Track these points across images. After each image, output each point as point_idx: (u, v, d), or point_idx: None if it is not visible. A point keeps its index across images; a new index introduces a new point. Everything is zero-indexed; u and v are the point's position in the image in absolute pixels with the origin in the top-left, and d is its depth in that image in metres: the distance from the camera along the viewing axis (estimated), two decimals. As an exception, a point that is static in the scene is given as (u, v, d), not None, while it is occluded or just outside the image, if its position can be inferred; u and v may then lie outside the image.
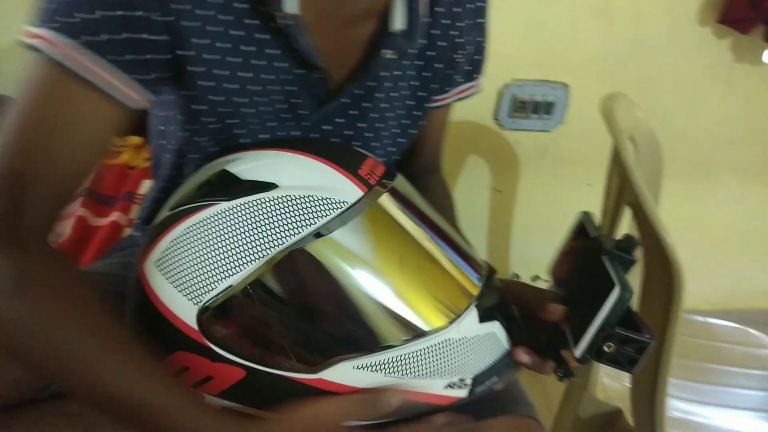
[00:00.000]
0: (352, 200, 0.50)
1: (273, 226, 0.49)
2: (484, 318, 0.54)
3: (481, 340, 0.54)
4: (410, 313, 0.51)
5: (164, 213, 0.55)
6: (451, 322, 0.52)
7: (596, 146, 1.21)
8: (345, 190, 0.51)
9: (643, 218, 0.77)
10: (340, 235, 0.49)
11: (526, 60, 1.35)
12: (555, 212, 1.55)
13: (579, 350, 0.51)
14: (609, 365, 0.51)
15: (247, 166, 0.53)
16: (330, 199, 0.50)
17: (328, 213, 0.49)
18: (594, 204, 1.03)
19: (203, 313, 0.49)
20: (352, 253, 0.49)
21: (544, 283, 1.76)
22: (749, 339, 1.19)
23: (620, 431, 0.98)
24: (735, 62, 1.43)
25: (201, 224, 0.50)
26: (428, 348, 0.51)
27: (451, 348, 0.52)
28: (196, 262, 0.49)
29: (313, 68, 0.58)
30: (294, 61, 0.58)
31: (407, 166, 0.77)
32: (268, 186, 0.50)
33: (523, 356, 0.57)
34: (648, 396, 0.86)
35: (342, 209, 0.50)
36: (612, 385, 1.05)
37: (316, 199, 0.50)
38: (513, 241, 1.59)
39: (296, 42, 0.55)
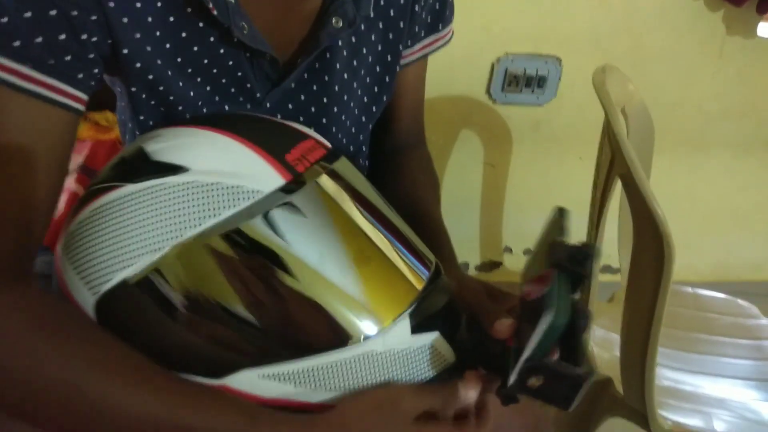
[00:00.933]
0: (267, 189, 0.46)
1: (174, 216, 0.45)
2: (419, 328, 0.48)
3: (413, 353, 0.48)
4: (326, 321, 0.46)
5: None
6: (377, 333, 0.47)
7: (588, 121, 1.21)
8: (262, 177, 0.46)
9: (633, 190, 0.77)
10: (248, 227, 0.44)
11: (519, 34, 1.35)
12: (547, 186, 1.57)
13: (510, 380, 0.44)
14: (540, 401, 0.44)
15: (163, 145, 0.49)
16: (241, 187, 0.45)
17: (236, 203, 0.45)
18: (586, 178, 1.04)
19: (100, 304, 0.47)
20: (261, 247, 0.45)
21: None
22: (738, 309, 1.20)
23: (610, 400, 1.00)
24: (728, 35, 1.43)
25: (103, 208, 0.47)
26: (346, 360, 0.46)
27: (374, 361, 0.47)
28: (94, 250, 0.46)
29: (260, 51, 0.56)
30: (238, 46, 0.55)
31: (387, 139, 0.75)
32: (176, 169, 0.46)
33: (469, 379, 0.49)
34: (637, 365, 0.87)
35: (252, 200, 0.45)
36: (602, 354, 1.07)
37: (225, 187, 0.45)
38: (505, 214, 1.60)
39: (237, 29, 0.52)
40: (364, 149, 0.72)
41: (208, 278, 0.45)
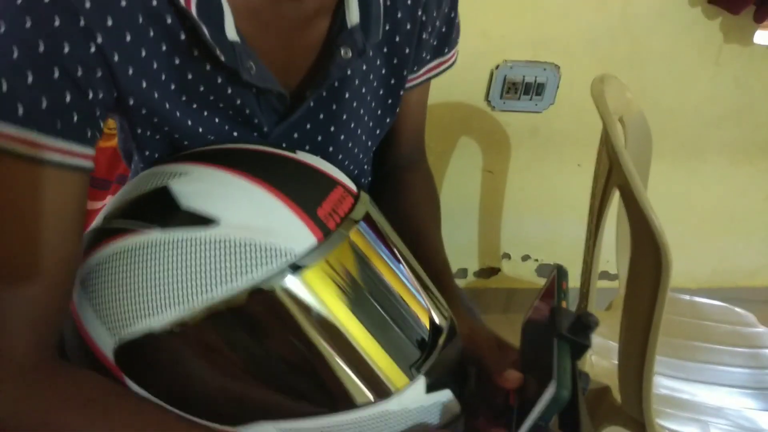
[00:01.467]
0: (299, 249, 0.45)
1: (205, 272, 0.44)
2: (432, 388, 0.49)
3: (425, 410, 0.49)
4: (347, 383, 0.46)
5: (99, 220, 0.51)
6: (393, 394, 0.47)
7: (587, 127, 1.22)
8: (294, 234, 0.45)
9: (631, 200, 0.77)
10: (278, 287, 0.44)
11: (518, 41, 1.35)
12: (546, 192, 1.57)
13: None
14: None
15: (191, 188, 0.48)
16: (274, 247, 0.44)
17: (268, 262, 0.44)
18: (584, 184, 1.04)
19: (121, 348, 0.46)
20: (288, 311, 0.44)
21: (535, 263, 1.78)
22: (735, 317, 1.21)
23: (608, 408, 1.00)
24: (725, 42, 1.44)
25: (128, 252, 0.46)
26: (362, 419, 0.47)
27: (388, 419, 0.48)
28: (118, 293, 0.45)
29: (268, 89, 0.55)
30: (245, 86, 0.54)
31: (388, 157, 0.75)
32: (207, 221, 0.45)
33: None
34: (635, 374, 0.87)
35: (284, 258, 0.44)
36: (600, 362, 1.07)
37: (258, 245, 0.44)
38: (504, 221, 1.60)
39: (245, 71, 0.51)
40: (366, 168, 0.71)
41: (233, 337, 0.45)
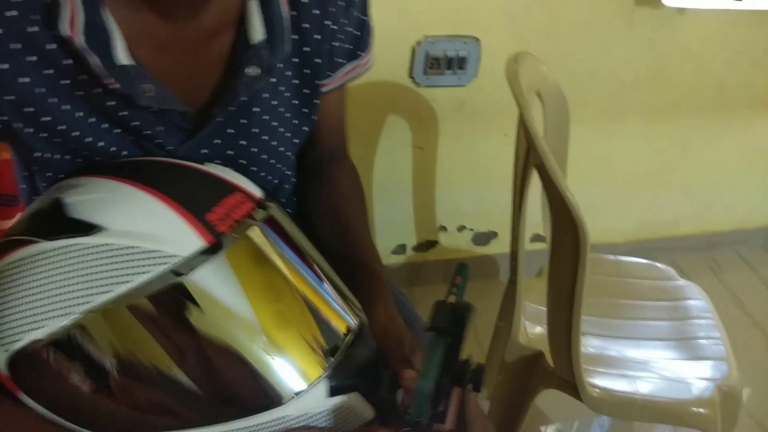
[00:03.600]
0: (185, 253, 0.45)
1: (86, 280, 0.44)
2: (337, 391, 0.49)
3: (328, 414, 0.49)
4: (235, 387, 0.46)
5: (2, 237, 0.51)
6: (290, 399, 0.47)
7: (510, 98, 1.24)
8: (181, 239, 0.45)
9: (548, 180, 0.80)
10: (159, 294, 0.44)
11: (436, 16, 1.35)
12: (475, 164, 1.60)
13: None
14: None
15: (80, 198, 0.48)
16: (158, 252, 0.44)
17: (151, 269, 0.44)
18: (511, 153, 1.07)
19: (12, 361, 0.46)
20: (170, 317, 0.45)
21: (470, 232, 1.82)
22: (657, 272, 1.28)
23: (542, 372, 1.05)
24: (636, 6, 1.48)
25: (16, 264, 0.46)
26: (258, 426, 0.47)
27: (287, 424, 0.48)
28: (6, 307, 0.45)
29: (168, 109, 0.54)
30: (142, 108, 0.53)
31: (309, 155, 0.74)
32: (91, 228, 0.45)
33: None
34: (564, 337, 0.92)
35: (169, 264, 0.44)
36: (532, 328, 1.12)
37: (141, 251, 0.44)
38: (437, 194, 1.63)
39: (141, 96, 0.50)
40: (289, 173, 0.71)
41: (115, 345, 0.44)
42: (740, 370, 1.08)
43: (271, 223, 0.51)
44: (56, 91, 0.50)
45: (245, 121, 0.60)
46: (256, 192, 0.53)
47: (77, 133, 0.53)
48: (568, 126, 1.18)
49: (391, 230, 1.64)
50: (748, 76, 1.66)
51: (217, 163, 0.59)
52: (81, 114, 0.52)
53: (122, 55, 0.49)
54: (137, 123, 0.54)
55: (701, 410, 0.98)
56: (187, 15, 0.53)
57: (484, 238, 1.74)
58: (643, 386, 1.03)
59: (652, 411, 1.00)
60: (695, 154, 1.78)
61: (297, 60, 0.61)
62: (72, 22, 0.47)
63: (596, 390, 0.99)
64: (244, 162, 0.62)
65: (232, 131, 0.60)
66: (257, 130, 0.61)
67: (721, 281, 1.97)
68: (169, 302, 0.44)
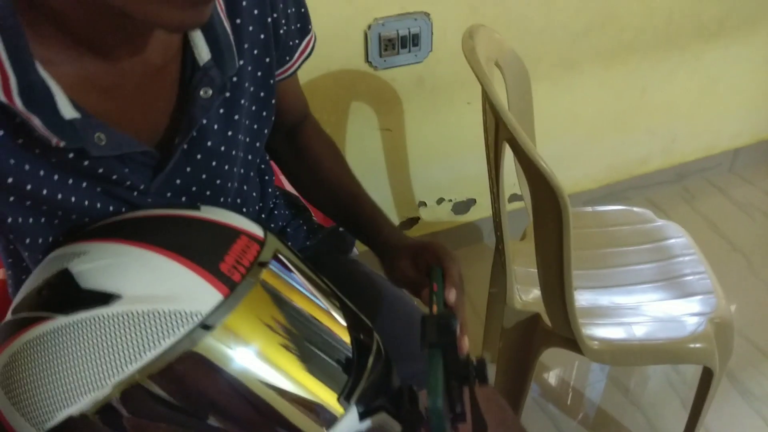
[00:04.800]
0: (206, 309, 0.44)
1: (111, 351, 0.43)
2: (366, 414, 0.50)
3: None
4: (280, 427, 0.47)
5: (8, 314, 0.50)
6: (328, 430, 0.48)
7: (466, 67, 1.25)
8: (199, 295, 0.45)
9: (521, 153, 0.82)
10: (190, 353, 0.44)
11: (383, -3, 1.35)
12: (444, 136, 1.61)
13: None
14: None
15: (90, 266, 0.47)
16: (179, 312, 0.44)
17: (175, 330, 0.43)
18: (476, 120, 1.08)
19: None
20: (206, 372, 0.45)
21: (449, 203, 1.83)
22: (634, 217, 1.31)
23: (541, 333, 1.08)
24: (578, -46, 1.49)
25: (36, 342, 0.45)
26: None
27: None
28: (33, 387, 0.45)
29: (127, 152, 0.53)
30: (98, 158, 0.52)
31: (275, 130, 0.75)
32: (108, 298, 0.44)
33: None
34: (557, 297, 0.95)
35: (192, 323, 0.44)
36: (525, 292, 1.15)
37: (162, 313, 0.44)
38: (412, 172, 1.63)
39: (93, 147, 0.49)
40: (256, 166, 0.73)
41: (155, 408, 0.45)
42: (727, 296, 1.12)
43: (277, 259, 0.51)
44: (13, 152, 0.49)
45: (210, 143, 0.60)
46: (257, 230, 0.53)
47: (45, 192, 0.52)
48: (530, 88, 1.19)
49: (372, 215, 1.65)
50: (695, 6, 1.69)
51: (195, 192, 0.60)
52: (43, 172, 0.51)
53: (66, 109, 0.47)
54: (101, 171, 0.53)
55: (697, 345, 1.02)
56: (129, 53, 0.52)
57: (463, 206, 1.76)
58: (638, 331, 1.07)
59: (650, 354, 1.04)
60: (654, 91, 1.81)
61: (250, 67, 0.61)
62: (5, 86, 0.45)
63: (595, 342, 1.03)
64: (219, 182, 0.63)
65: (199, 156, 0.60)
66: (224, 147, 0.61)
67: (694, 209, 2.03)
68: (199, 360, 0.44)
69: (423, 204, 1.70)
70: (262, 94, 0.64)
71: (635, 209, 1.33)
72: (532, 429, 1.35)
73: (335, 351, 0.51)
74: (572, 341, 1.02)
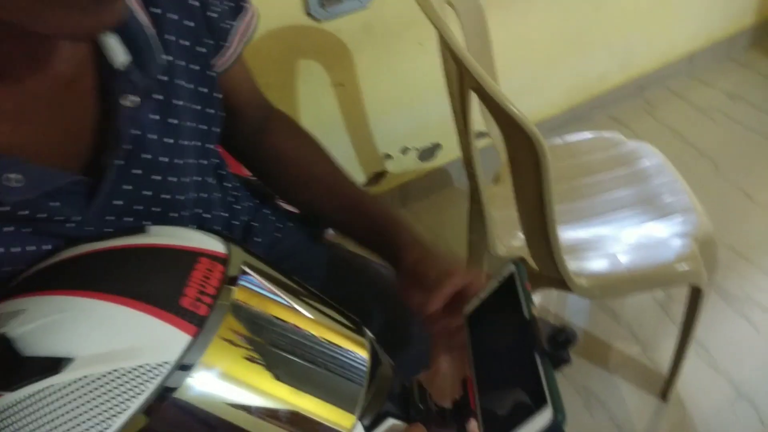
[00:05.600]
0: (173, 357, 0.38)
1: (75, 424, 0.37)
2: (373, 426, 0.46)
3: None
4: None
5: None
6: None
7: (415, 6, 1.18)
8: (164, 343, 0.39)
9: (491, 101, 0.76)
10: (165, 409, 0.38)
11: (315, -57, 1.25)
12: (400, 82, 1.54)
13: None
14: None
15: (30, 327, 0.40)
16: (143, 366, 0.38)
17: (143, 388, 0.38)
18: (431, 60, 1.03)
19: None
20: (186, 419, 0.39)
21: (415, 151, 1.78)
22: (605, 143, 1.28)
23: (528, 276, 1.06)
24: None
25: None
26: None
27: None
28: None
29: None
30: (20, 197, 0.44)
31: (237, 133, 0.68)
32: (58, 363, 0.38)
33: None
34: (542, 241, 0.92)
35: (160, 375, 0.38)
36: (508, 236, 1.12)
37: (124, 372, 0.38)
38: (372, 125, 1.57)
39: (9, 192, 0.42)
40: (213, 168, 0.65)
41: None
42: (703, 205, 1.11)
43: (248, 272, 0.45)
44: None
45: (148, 155, 0.52)
46: (217, 246, 0.46)
47: None
48: (486, 22, 1.13)
49: (338, 175, 1.59)
50: None
51: (141, 210, 0.52)
52: None
53: None
54: (27, 213, 0.46)
55: (684, 267, 1.01)
56: (32, 69, 0.44)
57: (428, 152, 1.71)
58: (624, 259, 1.05)
59: (639, 282, 1.03)
60: (606, 6, 1.76)
61: (184, 62, 0.54)
62: None
63: (583, 279, 1.01)
64: (168, 196, 0.55)
65: (138, 171, 0.52)
66: (167, 158, 0.54)
67: (657, 120, 2.02)
68: (181, 408, 0.39)
69: (388, 156, 1.64)
70: (202, 89, 0.57)
71: (605, 134, 1.30)
72: (527, 366, 1.36)
73: (330, 365, 0.46)
74: (559, 281, 1.00)
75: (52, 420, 0.37)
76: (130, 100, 0.47)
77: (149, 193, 0.54)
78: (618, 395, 1.33)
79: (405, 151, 1.66)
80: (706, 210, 1.10)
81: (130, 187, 0.52)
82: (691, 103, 2.06)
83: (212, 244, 0.46)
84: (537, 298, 1.53)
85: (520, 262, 0.51)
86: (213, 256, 0.44)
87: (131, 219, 0.53)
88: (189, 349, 0.39)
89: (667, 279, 1.04)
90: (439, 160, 1.74)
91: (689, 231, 1.06)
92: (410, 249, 0.62)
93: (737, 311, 1.44)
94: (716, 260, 1.08)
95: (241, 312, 0.42)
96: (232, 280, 0.43)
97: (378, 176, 1.66)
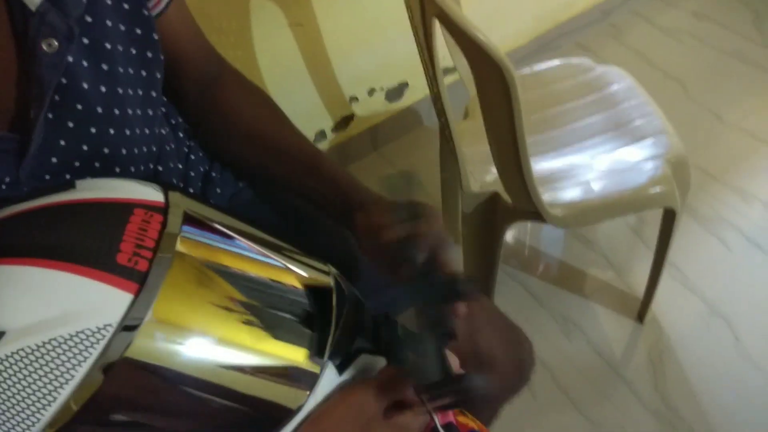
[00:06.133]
0: (116, 317, 0.36)
1: (19, 399, 0.36)
2: (345, 365, 0.46)
3: (350, 382, 0.47)
4: (250, 411, 0.41)
5: None
6: (306, 398, 0.43)
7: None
8: (103, 304, 0.36)
9: (456, 29, 0.73)
10: (116, 371, 0.36)
11: None
12: (360, 19, 1.48)
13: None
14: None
15: None
16: (84, 332, 0.36)
17: (87, 353, 0.36)
18: None
19: None
20: (141, 381, 0.38)
21: (381, 92, 1.73)
22: (574, 69, 1.26)
23: (502, 211, 1.05)
24: None
25: None
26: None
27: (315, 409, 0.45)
28: None
29: None
30: None
31: (184, 91, 0.63)
32: None
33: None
34: (515, 174, 0.90)
35: (104, 338, 0.36)
36: (480, 172, 1.10)
37: (65, 339, 0.35)
38: (336, 67, 1.51)
39: None
40: (164, 132, 0.60)
41: None
42: (673, 128, 1.10)
43: (191, 221, 0.42)
44: None
45: (80, 105, 0.48)
46: (154, 195, 0.43)
47: None
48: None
49: (304, 120, 1.54)
50: None
51: (79, 167, 0.48)
52: None
53: None
54: None
55: (657, 189, 1.01)
56: None
57: (396, 92, 1.66)
58: (598, 186, 1.05)
59: (613, 208, 1.03)
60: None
61: (109, 0, 0.49)
62: None
63: (557, 209, 1.00)
64: (108, 150, 0.52)
65: (71, 124, 0.48)
66: (100, 109, 0.50)
67: (624, 45, 1.99)
68: (131, 372, 0.37)
69: (354, 99, 1.60)
70: (137, 30, 0.52)
71: (573, 60, 1.27)
72: (504, 300, 1.37)
73: (291, 305, 0.44)
74: (534, 213, 0.99)
75: None
76: (50, 45, 0.43)
77: (85, 147, 0.50)
78: (595, 320, 1.36)
79: (371, 92, 1.61)
80: (676, 131, 1.09)
81: (63, 143, 0.48)
82: (657, 26, 2.03)
83: (148, 193, 0.43)
84: (511, 231, 1.54)
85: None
86: (149, 206, 0.41)
87: (69, 177, 0.50)
88: (132, 308, 0.36)
89: (641, 203, 1.03)
90: (408, 100, 1.70)
91: (661, 153, 1.05)
92: (366, 209, 0.57)
93: (709, 231, 1.46)
94: (689, 181, 1.08)
95: (185, 263, 0.39)
96: (173, 233, 0.40)
97: (345, 120, 1.62)
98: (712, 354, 1.27)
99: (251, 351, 0.41)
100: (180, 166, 0.64)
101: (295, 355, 0.43)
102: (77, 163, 0.50)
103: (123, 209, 0.40)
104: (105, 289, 0.36)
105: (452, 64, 1.23)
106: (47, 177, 0.49)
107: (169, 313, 0.38)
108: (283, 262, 0.46)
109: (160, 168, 0.60)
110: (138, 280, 0.37)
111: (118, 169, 0.53)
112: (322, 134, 1.59)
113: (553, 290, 1.42)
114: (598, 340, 1.32)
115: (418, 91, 1.68)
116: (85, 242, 0.38)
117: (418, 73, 1.00)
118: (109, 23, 0.49)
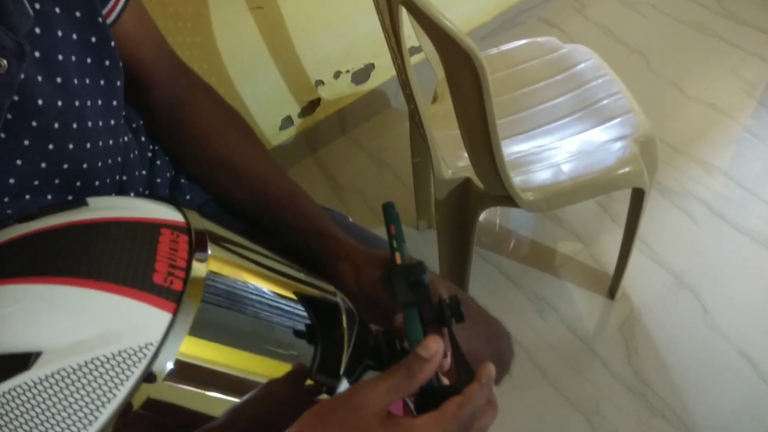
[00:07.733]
0: (158, 336, 0.36)
1: (57, 421, 0.35)
2: (354, 381, 0.46)
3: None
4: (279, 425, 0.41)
5: None
6: None
7: None
8: (143, 323, 0.36)
9: (423, 17, 0.71)
10: (157, 391, 0.36)
11: None
12: (322, 0, 1.44)
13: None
14: None
15: None
16: (126, 351, 0.35)
17: (129, 372, 0.35)
18: None
19: None
20: (185, 399, 0.39)
21: (347, 75, 1.70)
22: (541, 49, 1.25)
23: (475, 196, 1.05)
24: None
25: None
26: None
27: None
28: None
29: None
30: None
31: (149, 109, 0.60)
32: (26, 359, 0.34)
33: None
34: (487, 159, 0.90)
35: (146, 357, 0.36)
36: (451, 158, 1.09)
37: (106, 359, 0.35)
38: (300, 50, 1.48)
39: None
40: (122, 127, 0.57)
41: None
42: (637, 102, 1.11)
43: (213, 240, 0.41)
44: None
45: (36, 123, 0.46)
46: (173, 214, 0.42)
47: None
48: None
49: (270, 106, 1.51)
50: None
51: (40, 186, 0.46)
52: None
53: None
54: None
55: (626, 170, 1.01)
56: None
57: (362, 74, 1.63)
58: (567, 168, 1.05)
59: (583, 190, 1.03)
60: None
61: (58, 9, 0.46)
62: None
63: (529, 193, 1.00)
64: (67, 166, 0.49)
65: (27, 142, 0.46)
66: (57, 124, 0.47)
67: (587, 18, 1.99)
68: (172, 393, 0.37)
69: (320, 83, 1.56)
70: (92, 39, 0.49)
71: (539, 39, 1.26)
72: (479, 282, 1.38)
73: (306, 329, 0.45)
74: (506, 198, 0.99)
75: (31, 419, 0.35)
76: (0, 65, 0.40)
77: (45, 165, 0.48)
78: (568, 298, 1.37)
79: (337, 75, 1.58)
80: (641, 107, 1.10)
81: (20, 162, 0.46)
82: (619, -1, 2.03)
83: (167, 213, 0.42)
84: (483, 214, 1.54)
85: (387, 205, 0.50)
86: (174, 226, 0.41)
87: (29, 197, 0.47)
88: (171, 327, 0.37)
89: (610, 184, 1.04)
90: (374, 81, 1.67)
91: (629, 133, 1.06)
92: (354, 262, 0.55)
93: (676, 204, 1.49)
94: (657, 160, 1.09)
95: (216, 283, 0.40)
96: (201, 251, 0.40)
97: (312, 105, 1.59)
98: (682, 326, 1.30)
99: (277, 374, 0.42)
100: (144, 173, 0.61)
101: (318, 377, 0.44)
102: (36, 182, 0.48)
103: (152, 230, 0.40)
104: (144, 309, 0.36)
105: (418, 44, 1.20)
106: (6, 200, 0.46)
107: (204, 332, 0.38)
108: (298, 281, 0.47)
109: (125, 178, 0.57)
110: (175, 300, 0.37)
111: (78, 183, 0.51)
112: (288, 120, 1.56)
113: (525, 270, 1.43)
114: (571, 318, 1.34)
115: (385, 71, 1.66)
116: (121, 262, 0.37)
117: (384, 53, 0.98)
118: (60, 33, 0.46)
